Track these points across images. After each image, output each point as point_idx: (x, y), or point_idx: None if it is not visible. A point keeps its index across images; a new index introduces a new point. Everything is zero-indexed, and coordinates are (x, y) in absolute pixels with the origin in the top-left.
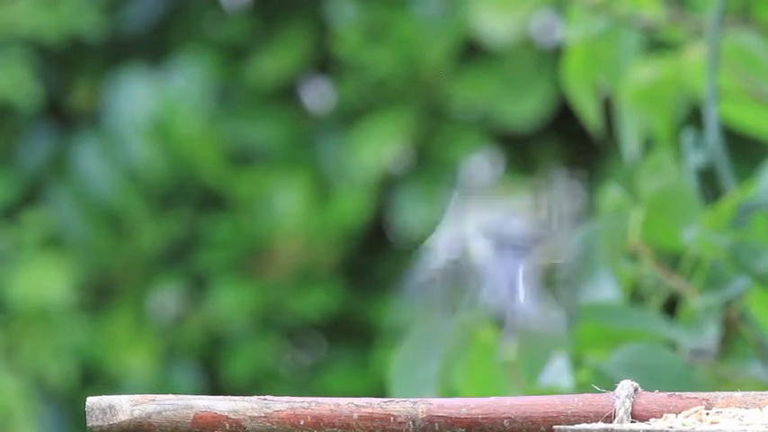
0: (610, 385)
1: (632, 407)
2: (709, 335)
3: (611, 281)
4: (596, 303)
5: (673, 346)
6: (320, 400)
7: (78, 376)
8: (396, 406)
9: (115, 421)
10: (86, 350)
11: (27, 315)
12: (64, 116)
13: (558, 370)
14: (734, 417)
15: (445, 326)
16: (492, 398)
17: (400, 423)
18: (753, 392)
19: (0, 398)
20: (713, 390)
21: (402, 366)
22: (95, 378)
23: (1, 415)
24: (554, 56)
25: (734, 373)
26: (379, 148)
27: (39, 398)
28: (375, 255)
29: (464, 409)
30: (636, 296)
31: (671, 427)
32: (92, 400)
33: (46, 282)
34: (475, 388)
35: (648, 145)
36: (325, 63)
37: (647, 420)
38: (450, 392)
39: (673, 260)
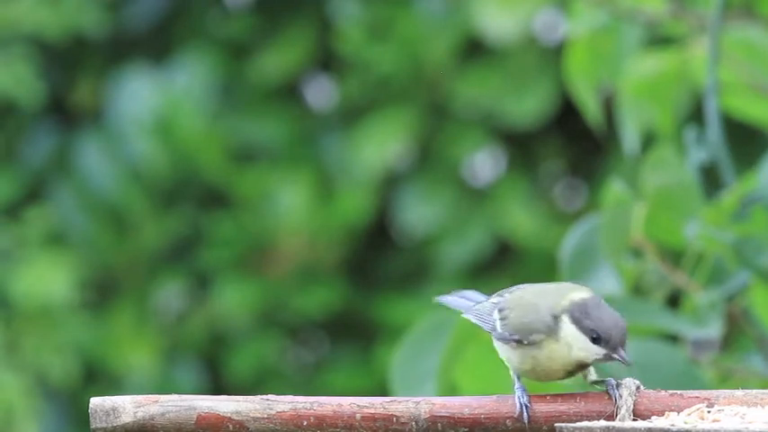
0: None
1: (634, 405)
2: (714, 330)
3: (613, 275)
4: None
5: (675, 339)
6: (323, 400)
7: (81, 374)
8: (398, 406)
9: (119, 423)
10: (89, 348)
11: (29, 312)
12: (67, 114)
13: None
14: (735, 415)
15: (448, 321)
16: (494, 397)
17: (403, 423)
18: (754, 391)
19: (2, 395)
20: (716, 386)
21: (404, 360)
22: (98, 376)
23: (3, 412)
24: (557, 54)
25: (736, 368)
26: (382, 145)
27: (41, 395)
28: (378, 253)
29: (467, 409)
30: (638, 291)
31: (672, 425)
32: (95, 402)
33: (48, 279)
34: (476, 382)
35: (650, 139)
36: (328, 61)
37: (649, 418)
38: (450, 386)
39: (675, 255)
